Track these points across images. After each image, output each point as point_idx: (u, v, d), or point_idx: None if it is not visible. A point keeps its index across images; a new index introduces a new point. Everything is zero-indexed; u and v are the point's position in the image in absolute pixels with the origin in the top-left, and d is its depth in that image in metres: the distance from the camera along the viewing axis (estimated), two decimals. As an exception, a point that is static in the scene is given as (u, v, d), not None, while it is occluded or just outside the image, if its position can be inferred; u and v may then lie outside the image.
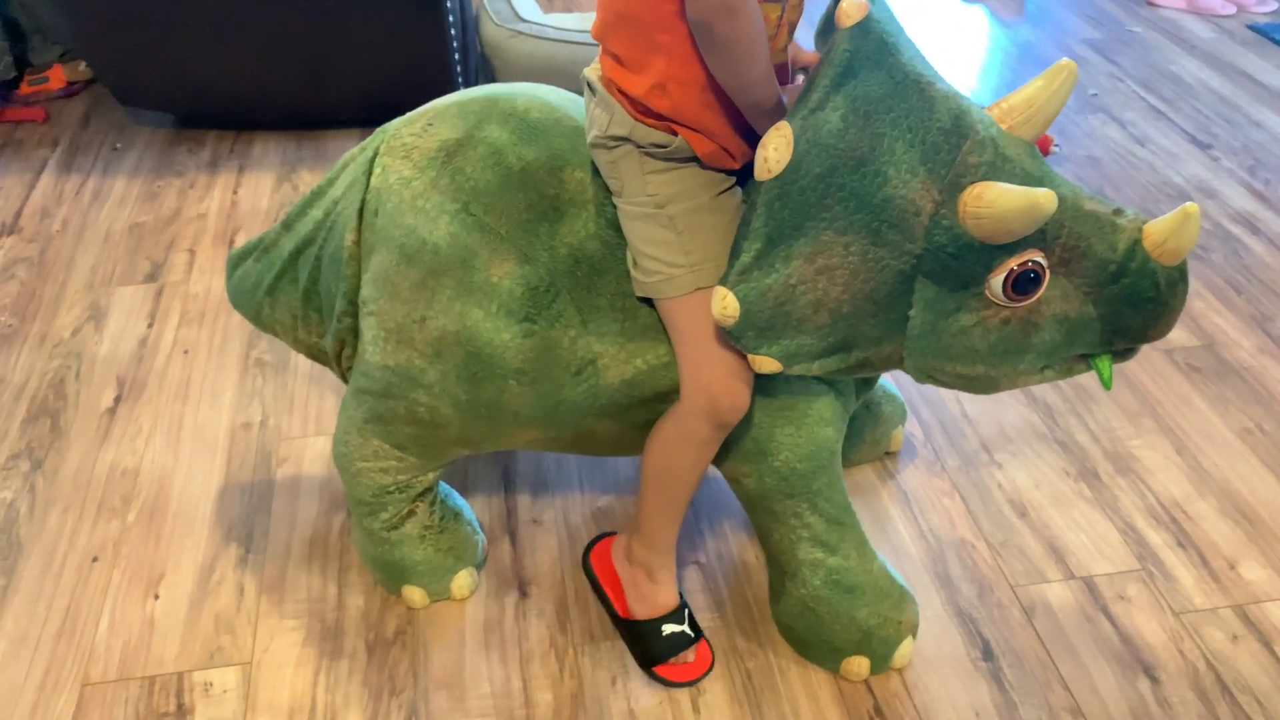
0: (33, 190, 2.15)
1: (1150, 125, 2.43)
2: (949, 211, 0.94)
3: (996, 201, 0.91)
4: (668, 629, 1.23)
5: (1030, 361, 1.01)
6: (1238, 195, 2.16)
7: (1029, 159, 0.97)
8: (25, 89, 2.46)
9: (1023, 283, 0.96)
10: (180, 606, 1.31)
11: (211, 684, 1.22)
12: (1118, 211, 0.97)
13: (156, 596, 1.32)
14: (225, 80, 2.23)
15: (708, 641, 1.25)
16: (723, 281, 0.95)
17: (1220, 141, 2.36)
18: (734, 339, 0.98)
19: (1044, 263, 0.97)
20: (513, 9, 2.40)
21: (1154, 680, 1.23)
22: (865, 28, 0.90)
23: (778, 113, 0.94)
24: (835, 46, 0.90)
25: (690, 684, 1.21)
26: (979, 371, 1.02)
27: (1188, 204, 0.93)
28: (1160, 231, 0.95)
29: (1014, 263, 0.96)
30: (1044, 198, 0.89)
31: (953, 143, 0.94)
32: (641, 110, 0.97)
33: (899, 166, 0.93)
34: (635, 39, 0.95)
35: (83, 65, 2.50)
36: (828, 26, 1.07)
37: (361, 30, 2.14)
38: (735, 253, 0.95)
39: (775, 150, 0.90)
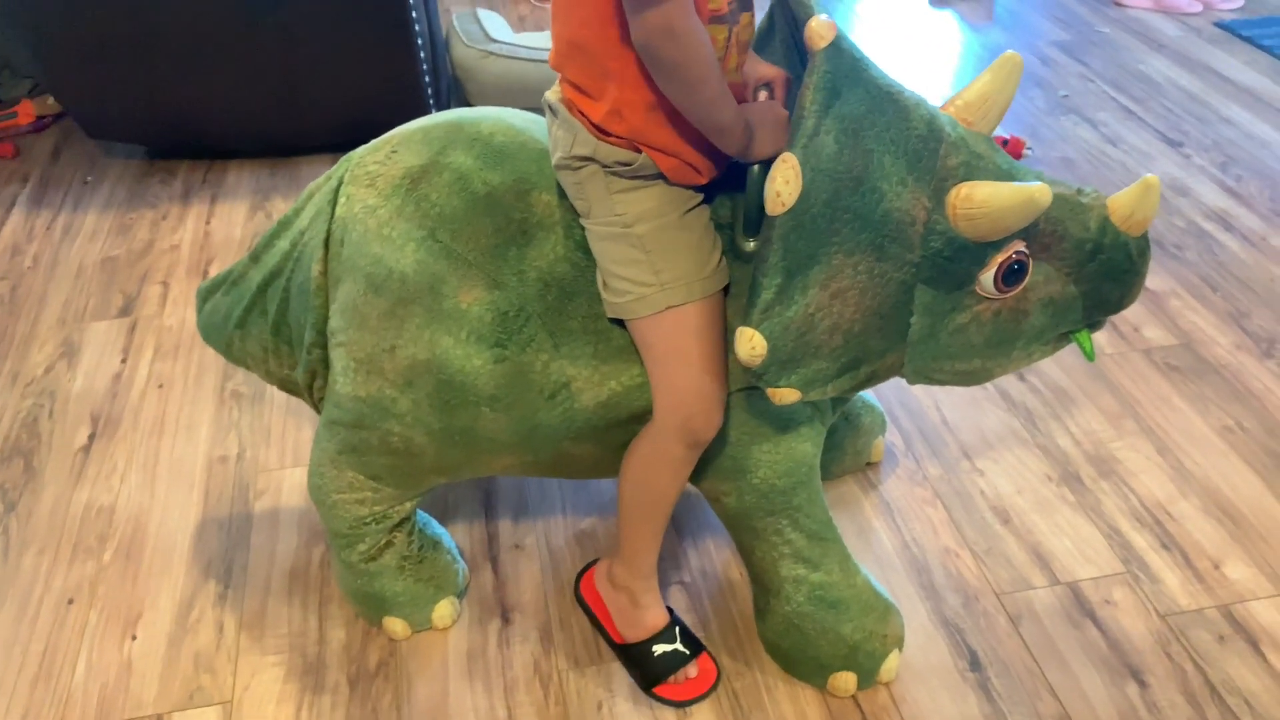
0: (3, 227, 2.13)
1: (1121, 125, 2.44)
2: (940, 216, 0.95)
3: (990, 200, 0.93)
4: (659, 649, 1.22)
5: (1022, 347, 1.04)
6: (1210, 192, 2.17)
7: (994, 153, 0.99)
8: (-6, 125, 2.45)
9: (1010, 274, 0.99)
10: (159, 646, 1.29)
11: (192, 724, 1.20)
12: (1079, 191, 1.01)
13: (134, 637, 1.30)
14: (196, 110, 2.21)
15: (710, 655, 1.24)
16: (746, 322, 0.94)
17: (1191, 139, 2.37)
18: (757, 377, 0.97)
19: (1027, 251, 0.99)
20: (483, 29, 2.40)
21: (1142, 685, 1.22)
22: (838, 46, 0.90)
23: (743, 133, 0.94)
24: (815, 69, 0.89)
25: (695, 701, 1.20)
26: (975, 365, 1.04)
27: (1147, 175, 0.97)
28: (1126, 205, 0.99)
29: (1002, 257, 0.98)
30: (1039, 192, 0.91)
31: (930, 148, 0.94)
32: (602, 131, 0.97)
33: (890, 180, 0.94)
34: (588, 67, 0.95)
35: (51, 99, 2.49)
36: (761, 41, 1.07)
37: (331, 55, 2.14)
38: (755, 291, 0.94)
39: (786, 183, 0.90)
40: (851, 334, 0.98)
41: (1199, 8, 3.02)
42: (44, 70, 2.20)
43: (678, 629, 1.24)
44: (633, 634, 1.23)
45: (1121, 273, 1.02)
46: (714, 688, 1.22)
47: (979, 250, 0.97)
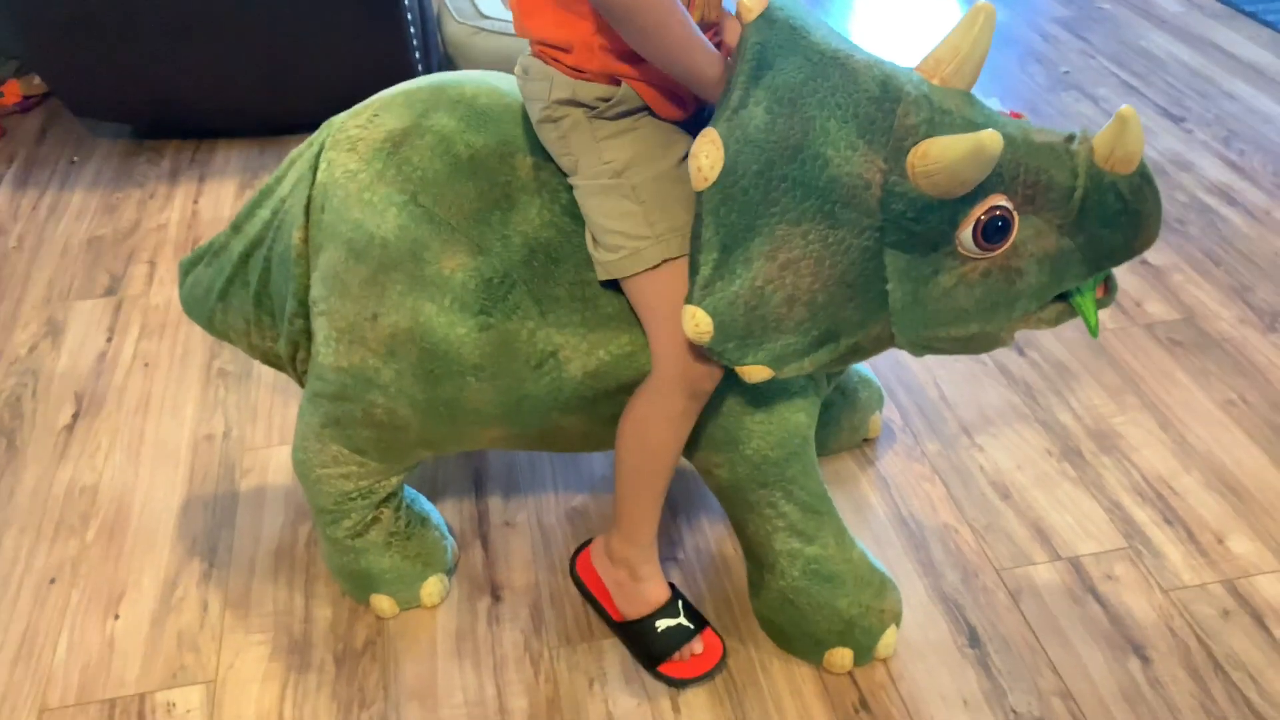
0: (-12, 207, 2.10)
1: (1122, 100, 2.41)
2: (899, 178, 0.92)
3: (944, 154, 0.89)
4: (662, 624, 1.18)
5: (1023, 307, 1.00)
6: (1213, 167, 2.14)
7: (969, 107, 0.95)
8: (-21, 105, 2.41)
9: (992, 230, 0.94)
10: (142, 625, 1.26)
11: (175, 704, 1.18)
12: (1069, 138, 0.96)
13: (117, 616, 1.28)
14: (183, 89, 2.18)
15: (714, 629, 1.21)
16: (689, 300, 0.93)
17: (1193, 114, 2.34)
18: (715, 354, 0.95)
19: (1009, 205, 0.95)
20: (474, 6, 2.36)
21: (1145, 660, 1.20)
22: (769, 17, 0.88)
23: (723, 82, 0.92)
24: (743, 42, 0.88)
25: (701, 678, 1.17)
26: (973, 330, 1.00)
27: (1123, 107, 0.91)
28: (1105, 143, 0.93)
29: (979, 212, 0.94)
30: (988, 138, 0.87)
31: (885, 109, 0.92)
32: (578, 70, 0.96)
33: (836, 145, 0.91)
34: (551, 17, 0.94)
35: (38, 80, 2.45)
36: None
37: (319, 33, 2.10)
38: (693, 268, 0.92)
39: (707, 157, 0.89)
40: (815, 305, 0.95)
41: (1201, -16, 2.98)
42: (27, 48, 2.17)
43: (680, 603, 1.20)
44: (633, 610, 1.19)
45: (1114, 215, 0.95)
46: (721, 664, 1.18)
47: (949, 208, 0.93)
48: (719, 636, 1.20)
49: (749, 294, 0.93)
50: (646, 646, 1.18)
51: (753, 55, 0.88)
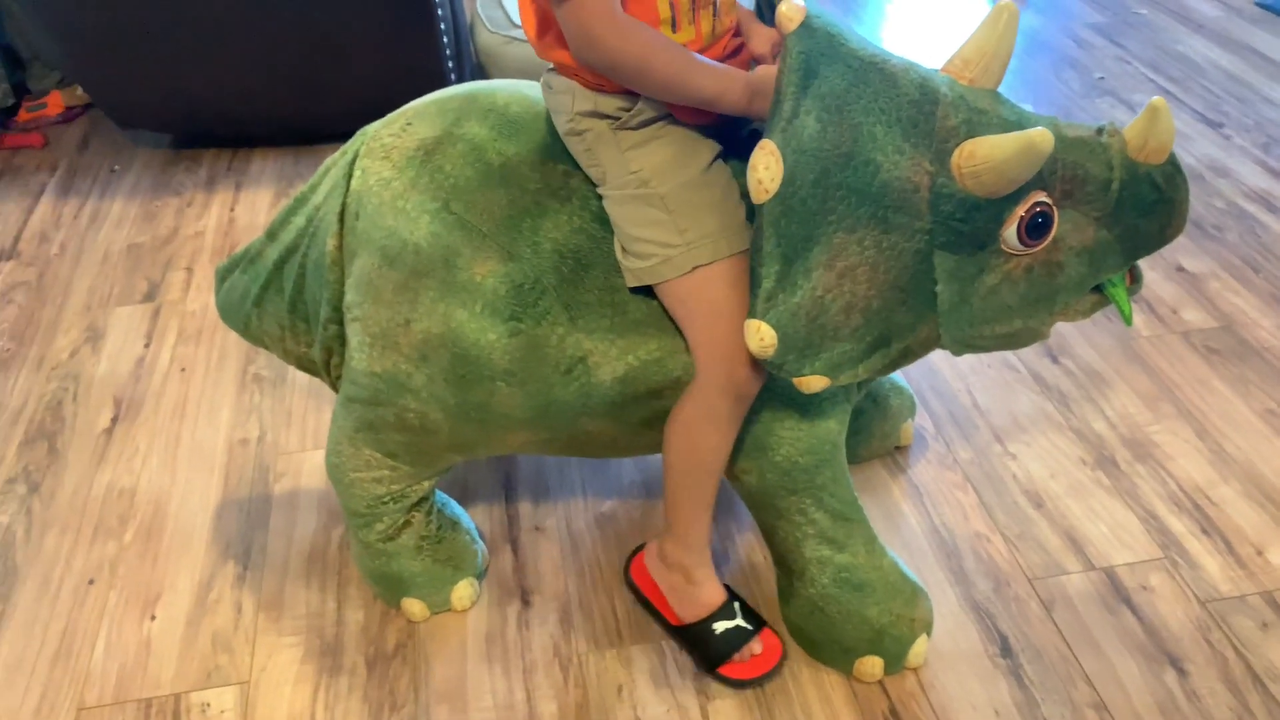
0: (31, 215, 2.14)
1: (1159, 106, 2.38)
2: (946, 179, 0.92)
3: (992, 154, 0.89)
4: (720, 627, 1.18)
5: (1063, 300, 1.01)
6: (1252, 173, 2.11)
7: (1000, 106, 0.95)
8: (24, 116, 2.46)
9: (1034, 226, 0.95)
10: (177, 626, 1.28)
11: (209, 704, 1.19)
12: (1099, 130, 0.97)
13: (153, 617, 1.29)
14: (220, 98, 2.22)
15: (772, 629, 1.20)
16: (751, 314, 0.93)
17: (1232, 120, 2.31)
18: (776, 368, 0.95)
19: (1049, 201, 0.95)
20: (506, 15, 2.38)
21: (1181, 672, 1.18)
22: (809, 26, 0.88)
23: (740, 94, 0.93)
24: (788, 52, 0.88)
25: (763, 679, 1.17)
26: (1017, 326, 1.01)
27: (1154, 99, 0.93)
28: (1138, 135, 0.95)
29: (1021, 210, 0.94)
30: (1039, 136, 0.87)
31: (926, 111, 0.92)
32: (598, 85, 0.97)
33: (884, 150, 0.91)
34: (562, 37, 0.95)
35: (80, 90, 2.50)
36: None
37: (353, 42, 2.13)
38: (755, 282, 0.92)
39: (766, 169, 0.88)
40: (871, 311, 0.95)
41: (1240, -12, 2.94)
42: (69, 60, 2.21)
43: (737, 604, 1.20)
44: (690, 613, 1.19)
45: (1151, 205, 0.97)
46: (780, 664, 1.18)
47: (994, 207, 0.94)
48: (778, 636, 1.20)
49: (810, 304, 0.93)
50: (705, 649, 1.18)
51: (799, 64, 0.88)
